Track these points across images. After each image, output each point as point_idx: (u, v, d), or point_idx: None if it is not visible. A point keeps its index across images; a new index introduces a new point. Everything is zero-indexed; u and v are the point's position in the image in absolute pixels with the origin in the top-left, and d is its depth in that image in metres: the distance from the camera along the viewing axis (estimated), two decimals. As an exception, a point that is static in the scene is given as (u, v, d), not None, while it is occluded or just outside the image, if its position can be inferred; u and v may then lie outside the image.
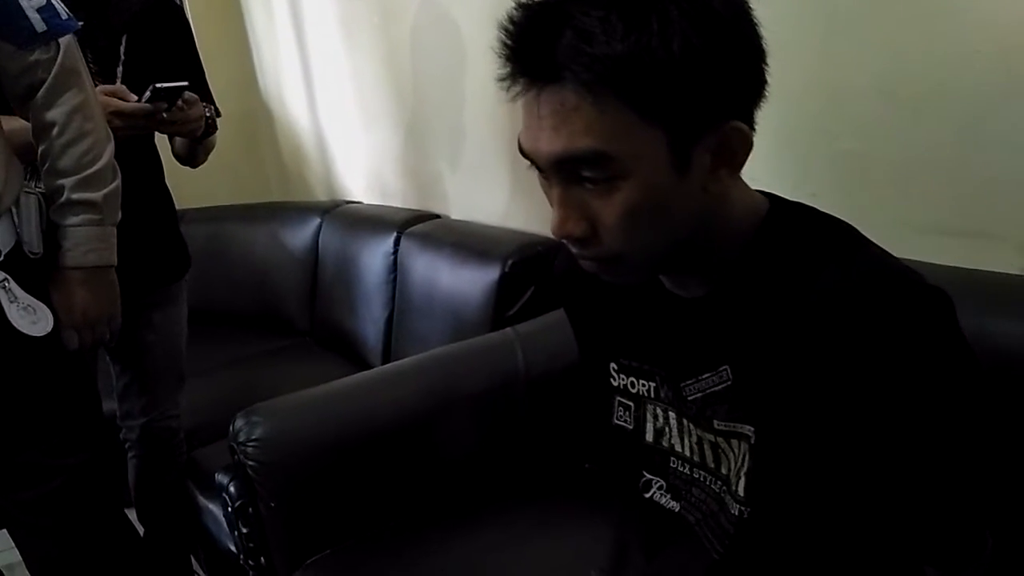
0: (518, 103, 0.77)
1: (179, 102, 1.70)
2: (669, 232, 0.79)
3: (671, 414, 0.93)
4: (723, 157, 0.77)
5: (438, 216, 2.56)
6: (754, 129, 0.78)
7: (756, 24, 0.76)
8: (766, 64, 0.77)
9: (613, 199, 0.75)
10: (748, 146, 0.77)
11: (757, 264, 0.82)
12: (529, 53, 0.74)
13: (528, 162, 0.80)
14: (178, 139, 1.94)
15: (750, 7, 0.76)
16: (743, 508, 0.85)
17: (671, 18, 0.70)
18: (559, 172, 0.77)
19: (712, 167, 0.77)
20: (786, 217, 0.84)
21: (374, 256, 2.51)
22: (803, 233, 0.82)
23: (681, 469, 0.94)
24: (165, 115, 1.70)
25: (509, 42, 0.75)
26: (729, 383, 0.85)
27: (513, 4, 0.76)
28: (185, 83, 1.69)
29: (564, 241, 0.80)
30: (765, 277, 0.81)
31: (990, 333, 1.06)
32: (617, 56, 0.70)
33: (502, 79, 0.76)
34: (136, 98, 1.67)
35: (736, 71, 0.75)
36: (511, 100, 0.77)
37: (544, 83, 0.74)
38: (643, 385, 0.96)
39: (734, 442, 0.85)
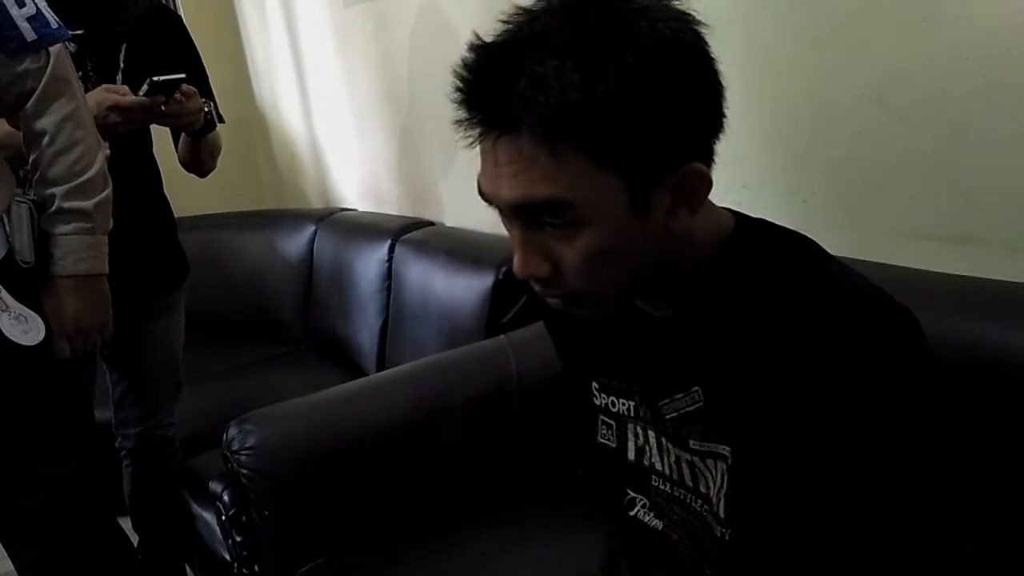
0: None
1: (176, 94, 1.70)
2: (631, 270, 0.79)
3: (650, 433, 0.93)
4: (682, 197, 0.76)
5: (432, 223, 2.56)
6: (713, 162, 0.78)
7: (713, 61, 0.75)
8: (724, 99, 0.76)
9: (574, 243, 0.76)
10: (707, 186, 0.77)
11: (722, 285, 0.81)
12: (484, 101, 0.73)
13: (487, 203, 0.79)
14: (182, 143, 1.94)
15: (707, 45, 0.75)
16: (724, 530, 0.84)
17: (627, 64, 0.69)
18: (519, 217, 0.77)
19: (672, 207, 0.77)
20: (749, 236, 0.83)
21: (368, 263, 2.51)
22: (766, 252, 0.81)
23: (662, 487, 0.94)
24: (163, 107, 1.69)
25: (464, 88, 0.74)
26: (701, 404, 0.84)
27: (467, 46, 0.75)
28: (182, 75, 1.68)
29: (528, 281, 0.80)
30: (730, 298, 0.81)
31: (980, 339, 1.06)
32: (573, 106, 0.69)
33: (458, 123, 0.75)
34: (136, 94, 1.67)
35: (694, 113, 0.74)
36: (468, 147, 0.76)
37: (501, 131, 0.73)
38: (623, 404, 0.96)
39: (710, 462, 0.85)
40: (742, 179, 1.45)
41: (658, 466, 0.93)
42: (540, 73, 0.70)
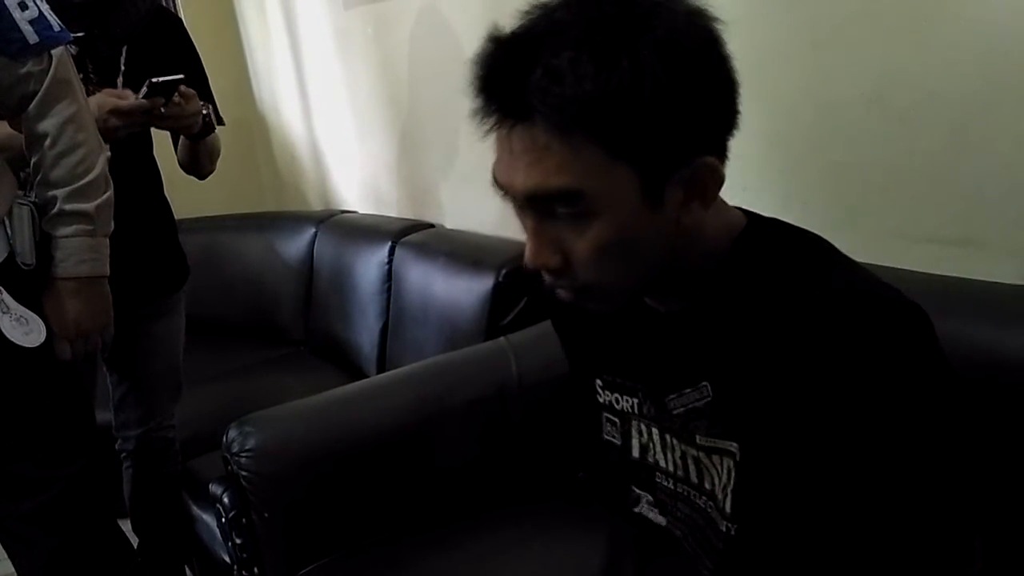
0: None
1: (175, 96, 1.70)
2: (642, 264, 0.80)
3: (654, 430, 0.94)
4: (694, 191, 0.77)
5: (432, 225, 2.56)
6: (727, 159, 0.79)
7: (727, 58, 0.76)
8: (738, 95, 0.77)
9: (586, 234, 0.76)
10: (719, 180, 0.78)
11: (733, 281, 0.82)
12: (500, 90, 0.74)
13: (502, 194, 0.80)
14: (180, 145, 1.95)
15: (722, 40, 0.76)
16: (730, 525, 0.85)
17: (642, 57, 0.70)
18: (532, 206, 0.78)
19: (684, 200, 0.77)
20: (761, 234, 0.84)
21: (369, 266, 2.51)
22: (778, 249, 0.82)
23: (666, 484, 0.94)
24: (163, 110, 1.70)
25: (481, 77, 0.75)
26: (709, 399, 0.85)
27: (485, 37, 0.76)
28: (181, 76, 1.68)
29: (539, 271, 0.81)
30: (741, 294, 0.81)
31: (980, 341, 1.06)
32: (588, 97, 0.70)
33: (475, 112, 0.76)
34: (136, 97, 1.67)
35: (707, 107, 0.75)
36: (483, 136, 0.77)
37: (516, 120, 0.74)
38: (627, 401, 0.96)
39: (716, 458, 0.85)
40: (742, 181, 1.44)
41: (662, 463, 0.94)
42: (556, 64, 0.71)
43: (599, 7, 0.73)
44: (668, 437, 0.92)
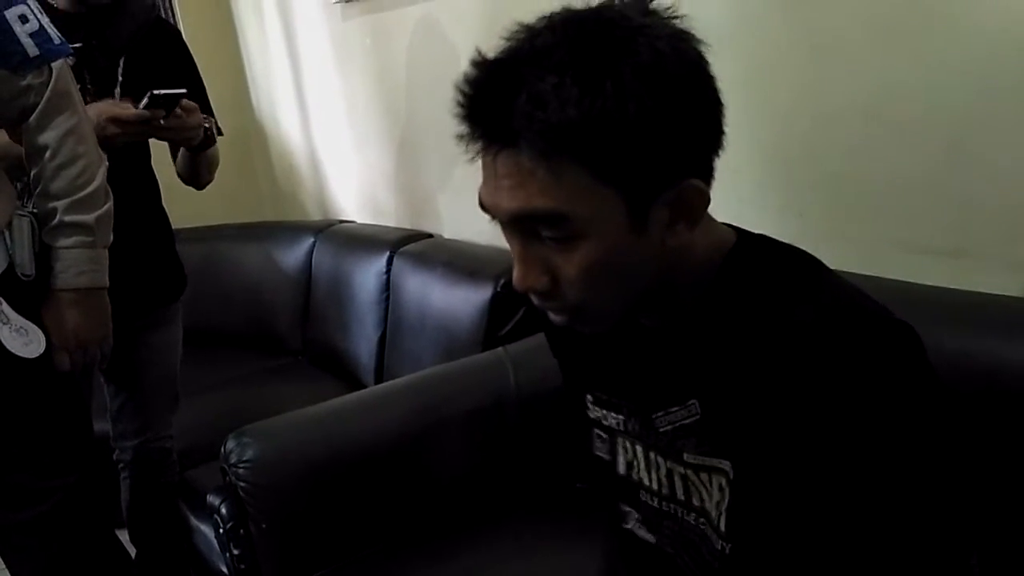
0: None
1: (176, 109, 1.71)
2: (630, 285, 0.80)
3: (638, 448, 0.94)
4: (680, 212, 0.77)
5: (431, 235, 2.56)
6: (713, 179, 0.79)
7: (712, 79, 0.76)
8: (723, 116, 0.77)
9: (572, 256, 0.77)
10: (705, 202, 0.78)
11: (722, 300, 0.82)
12: (485, 117, 0.74)
13: (489, 216, 0.80)
14: (180, 156, 1.95)
15: (706, 62, 0.76)
16: (725, 543, 0.84)
17: (625, 81, 0.70)
18: (518, 227, 0.78)
19: (669, 222, 0.77)
20: (749, 251, 0.84)
21: (367, 275, 2.51)
22: (766, 267, 0.82)
23: (650, 503, 0.94)
24: (163, 122, 1.70)
25: (465, 103, 0.75)
26: (697, 417, 0.85)
27: (470, 61, 0.76)
28: (183, 90, 1.69)
29: (528, 294, 0.81)
30: (730, 313, 0.81)
31: (974, 352, 1.07)
32: (571, 121, 0.70)
33: (460, 137, 0.76)
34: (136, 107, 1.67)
35: (692, 129, 0.75)
36: (470, 161, 0.77)
37: (501, 146, 0.74)
38: (614, 418, 0.97)
39: (705, 475, 0.85)
40: (737, 193, 1.46)
41: (646, 481, 0.94)
42: (540, 89, 0.71)
43: (582, 30, 0.73)
44: (652, 455, 0.92)
